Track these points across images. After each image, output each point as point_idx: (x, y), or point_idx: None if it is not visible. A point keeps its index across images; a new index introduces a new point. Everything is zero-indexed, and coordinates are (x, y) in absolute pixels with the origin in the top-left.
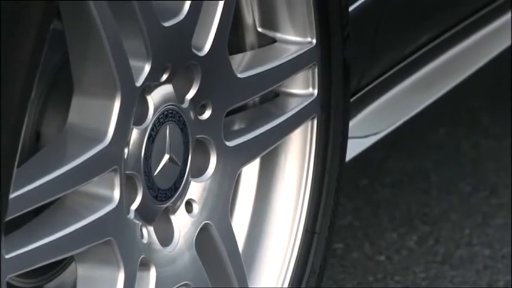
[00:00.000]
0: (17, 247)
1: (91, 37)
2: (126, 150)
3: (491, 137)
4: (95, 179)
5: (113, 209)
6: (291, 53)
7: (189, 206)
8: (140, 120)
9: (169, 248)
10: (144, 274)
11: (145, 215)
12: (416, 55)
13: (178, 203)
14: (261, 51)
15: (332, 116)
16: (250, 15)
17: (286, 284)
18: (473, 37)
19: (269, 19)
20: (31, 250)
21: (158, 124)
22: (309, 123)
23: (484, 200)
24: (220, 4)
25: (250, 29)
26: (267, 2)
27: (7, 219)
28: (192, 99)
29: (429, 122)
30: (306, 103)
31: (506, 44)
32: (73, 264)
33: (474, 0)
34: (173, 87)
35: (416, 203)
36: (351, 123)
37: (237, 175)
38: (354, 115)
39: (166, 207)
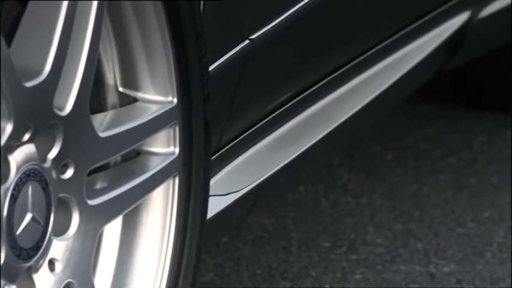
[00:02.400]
0: None
1: None
2: None
3: (349, 194)
4: None
5: None
6: (152, 112)
7: (51, 264)
8: (2, 179)
9: None
10: None
11: (8, 274)
12: (276, 113)
13: (41, 261)
14: (122, 110)
15: (193, 174)
16: (112, 75)
17: None
18: (332, 95)
19: (130, 79)
20: None
21: (20, 183)
22: (171, 181)
23: (342, 255)
24: (82, 64)
25: (112, 88)
26: (128, 62)
27: None
28: (54, 159)
29: (289, 179)
30: (167, 162)
31: (365, 102)
32: None
33: (332, 61)
34: (35, 146)
35: (277, 259)
36: (212, 181)
37: (99, 233)
38: (215, 173)
39: (29, 266)
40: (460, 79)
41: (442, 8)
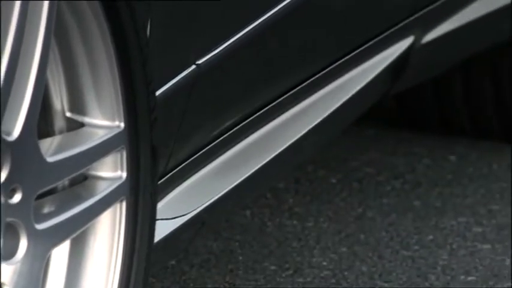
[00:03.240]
0: None
1: None
2: None
3: (295, 217)
4: None
5: None
6: (99, 137)
7: None
8: None
9: None
10: None
11: None
12: (222, 137)
13: None
14: (69, 135)
15: (140, 198)
16: (59, 100)
17: None
18: (278, 120)
19: (77, 104)
20: None
21: None
22: (118, 205)
23: (289, 278)
24: (30, 89)
25: (59, 113)
26: (75, 87)
27: None
28: (2, 184)
29: (235, 202)
30: (114, 186)
31: (309, 127)
32: None
33: (277, 85)
34: None
35: (224, 282)
36: (159, 205)
37: (47, 257)
38: (162, 197)
39: None
40: (404, 103)
41: (386, 33)
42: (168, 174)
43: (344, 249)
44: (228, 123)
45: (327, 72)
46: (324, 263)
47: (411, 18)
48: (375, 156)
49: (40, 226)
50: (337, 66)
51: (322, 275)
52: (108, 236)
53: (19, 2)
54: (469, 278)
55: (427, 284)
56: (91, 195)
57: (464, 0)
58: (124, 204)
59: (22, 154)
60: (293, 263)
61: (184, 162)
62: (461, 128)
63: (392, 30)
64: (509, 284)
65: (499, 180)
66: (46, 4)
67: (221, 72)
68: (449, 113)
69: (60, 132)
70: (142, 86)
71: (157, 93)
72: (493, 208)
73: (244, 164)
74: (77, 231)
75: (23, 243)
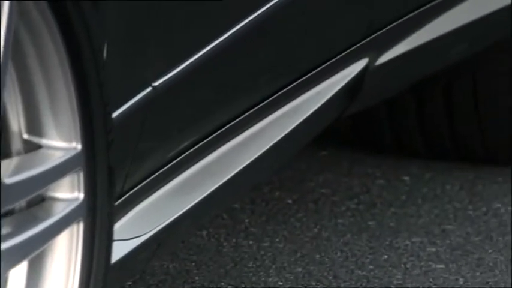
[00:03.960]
0: None
1: None
2: None
3: (251, 238)
4: None
5: None
6: (56, 158)
7: None
8: None
9: None
10: None
11: None
12: (179, 159)
13: None
14: (27, 157)
15: (97, 219)
16: (16, 122)
17: None
18: (233, 142)
19: (34, 125)
20: None
21: None
22: (75, 226)
23: None
24: None
25: (16, 135)
26: (32, 109)
27: None
28: None
29: (192, 223)
30: (71, 207)
31: (265, 148)
32: None
33: (232, 107)
34: None
35: None
36: (116, 226)
37: (5, 278)
38: (119, 218)
39: None
40: (358, 124)
41: (340, 55)
42: (124, 195)
43: (299, 269)
44: (184, 145)
45: (282, 93)
46: (280, 283)
47: (365, 40)
48: (330, 177)
49: None
50: (292, 88)
51: None
52: (65, 256)
53: None
54: None
55: None
56: (48, 217)
57: (416, 23)
58: (81, 225)
59: None
60: (249, 283)
61: (141, 183)
62: (415, 149)
63: (346, 52)
64: None
65: (452, 200)
66: (4, 23)
67: (177, 94)
68: (403, 134)
69: (18, 154)
70: (99, 107)
71: (114, 114)
72: (446, 228)
73: (201, 185)
74: (34, 252)
75: None
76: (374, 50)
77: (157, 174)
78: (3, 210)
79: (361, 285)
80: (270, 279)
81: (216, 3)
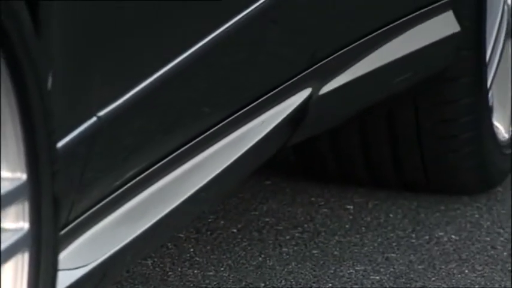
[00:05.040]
0: None
1: None
2: None
3: (196, 267)
4: None
5: None
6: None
7: None
8: None
9: None
10: None
11: None
12: (124, 188)
13: None
14: None
15: (43, 249)
16: None
17: None
18: (177, 171)
19: None
20: None
21: None
22: (20, 256)
23: None
24: None
25: None
26: None
27: None
28: None
29: (137, 252)
30: (16, 237)
31: (209, 178)
32: None
33: (177, 137)
34: None
35: None
36: (62, 255)
37: None
38: (64, 247)
39: None
40: (302, 153)
41: (284, 85)
42: (70, 224)
43: None
44: (129, 174)
45: (226, 123)
46: None
47: (308, 70)
48: (274, 206)
49: None
50: (236, 117)
51: None
52: (10, 286)
53: None
54: None
55: None
56: None
57: (359, 53)
58: (26, 255)
59: None
60: None
61: (86, 212)
62: (358, 178)
63: (289, 82)
64: None
65: (395, 228)
66: None
67: (122, 123)
68: (347, 163)
69: None
70: (44, 137)
71: (59, 144)
72: (390, 256)
73: (146, 214)
74: None
75: None
76: (317, 79)
77: (102, 203)
78: None
79: None
80: None
81: (160, 34)
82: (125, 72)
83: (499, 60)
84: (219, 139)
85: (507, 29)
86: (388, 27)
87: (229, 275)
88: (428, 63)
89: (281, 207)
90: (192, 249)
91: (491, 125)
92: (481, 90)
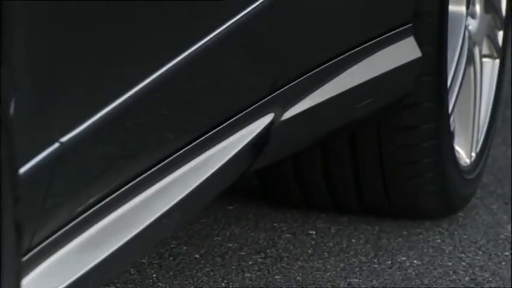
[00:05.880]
0: None
1: None
2: None
3: None
4: None
5: None
6: None
7: None
8: None
9: None
10: None
11: None
12: (87, 214)
13: None
14: None
15: (4, 275)
16: None
17: None
18: (140, 197)
19: None
20: None
21: None
22: None
23: None
24: None
25: None
26: None
27: None
28: None
29: (99, 278)
30: None
31: (171, 204)
32: None
33: (139, 163)
34: None
35: None
36: (24, 282)
37: None
38: (27, 273)
39: None
40: (264, 178)
41: (246, 111)
42: (32, 250)
43: None
44: (92, 200)
45: (189, 148)
46: None
47: (270, 96)
48: (237, 231)
49: None
50: (198, 143)
51: None
52: None
53: None
54: None
55: None
56: None
57: (321, 79)
58: None
59: None
60: None
61: (49, 238)
62: (321, 203)
63: (252, 108)
64: None
65: (358, 254)
66: None
67: (84, 149)
68: (309, 188)
69: None
70: (6, 163)
71: (21, 170)
72: (352, 281)
73: (108, 240)
74: None
75: None
76: (279, 105)
77: (65, 229)
78: None
79: None
80: None
81: (121, 61)
82: (87, 97)
83: (461, 86)
84: (182, 165)
85: (468, 54)
86: (349, 53)
87: None
88: (390, 89)
89: (244, 233)
90: (154, 275)
91: (452, 150)
92: (442, 116)
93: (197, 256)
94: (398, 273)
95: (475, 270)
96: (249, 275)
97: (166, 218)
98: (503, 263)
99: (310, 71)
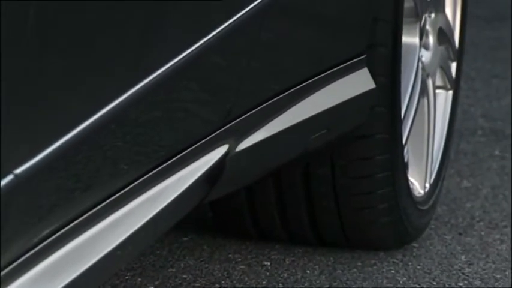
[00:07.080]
0: None
1: None
2: None
3: None
4: None
5: None
6: None
7: None
8: None
9: None
10: None
11: None
12: (41, 246)
13: None
14: None
15: None
16: None
17: None
18: (93, 229)
19: None
20: None
21: None
22: None
23: None
24: None
25: None
26: None
27: None
28: None
29: None
30: None
31: (125, 236)
32: None
33: (93, 195)
34: None
35: None
36: None
37: None
38: None
39: None
40: (218, 209)
41: (200, 142)
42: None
43: None
44: (46, 232)
45: (143, 180)
46: None
47: (224, 127)
48: (191, 262)
49: None
50: (152, 175)
51: None
52: None
53: None
54: None
55: None
56: None
57: (274, 110)
58: None
59: None
60: None
61: (5, 268)
62: (275, 234)
63: (206, 139)
64: None
65: (312, 285)
66: None
67: (39, 181)
68: (263, 219)
69: None
70: None
71: None
72: None
73: (62, 272)
74: None
75: None
76: (234, 136)
77: (19, 261)
78: None
79: None
80: None
81: (73, 93)
82: (41, 129)
83: (414, 117)
84: (136, 196)
85: (421, 85)
86: (303, 84)
87: None
88: (344, 120)
89: (198, 264)
90: (143, 284)
91: (406, 181)
92: (396, 147)
93: None
94: None
95: None
96: None
97: (120, 250)
98: None
99: (264, 102)
